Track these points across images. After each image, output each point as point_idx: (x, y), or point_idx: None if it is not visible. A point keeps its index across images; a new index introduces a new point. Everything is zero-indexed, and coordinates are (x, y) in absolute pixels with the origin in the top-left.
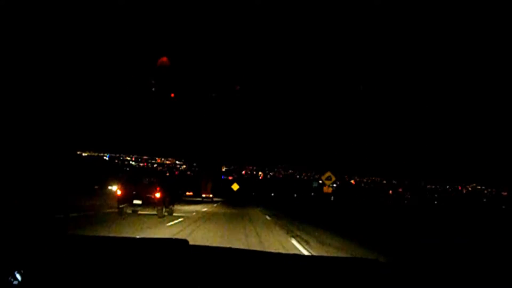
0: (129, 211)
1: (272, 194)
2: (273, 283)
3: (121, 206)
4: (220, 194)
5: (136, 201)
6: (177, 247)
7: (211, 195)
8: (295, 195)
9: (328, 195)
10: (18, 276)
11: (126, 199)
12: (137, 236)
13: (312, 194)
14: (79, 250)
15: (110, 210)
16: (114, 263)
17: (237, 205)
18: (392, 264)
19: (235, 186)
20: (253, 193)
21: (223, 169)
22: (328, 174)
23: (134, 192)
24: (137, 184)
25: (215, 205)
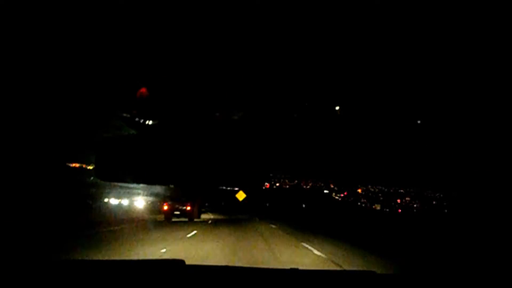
0: (167, 219)
1: (304, 205)
2: None
3: (167, 216)
4: (218, 207)
5: (176, 212)
6: (173, 267)
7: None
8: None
9: None
10: None
11: (170, 211)
12: (154, 255)
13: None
14: (79, 274)
15: (158, 219)
16: (112, 285)
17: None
18: (390, 276)
19: (240, 195)
20: (267, 204)
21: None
22: None
23: (176, 206)
24: (176, 201)
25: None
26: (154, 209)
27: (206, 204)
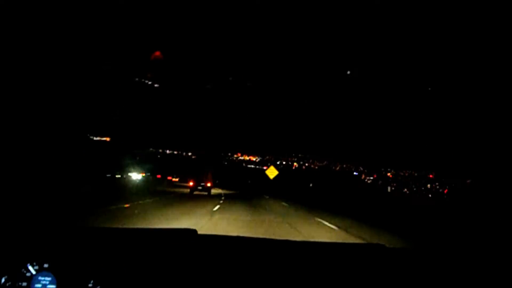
0: (191, 193)
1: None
2: (280, 270)
3: (192, 191)
4: (235, 185)
5: (199, 187)
6: (186, 236)
7: (208, 184)
8: None
9: None
10: (31, 269)
11: (194, 186)
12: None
13: None
14: (92, 241)
15: (184, 192)
16: (124, 253)
17: None
18: (398, 250)
19: (271, 172)
20: (311, 184)
21: (253, 159)
22: None
23: (198, 182)
24: (198, 177)
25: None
26: (175, 183)
27: (217, 181)
